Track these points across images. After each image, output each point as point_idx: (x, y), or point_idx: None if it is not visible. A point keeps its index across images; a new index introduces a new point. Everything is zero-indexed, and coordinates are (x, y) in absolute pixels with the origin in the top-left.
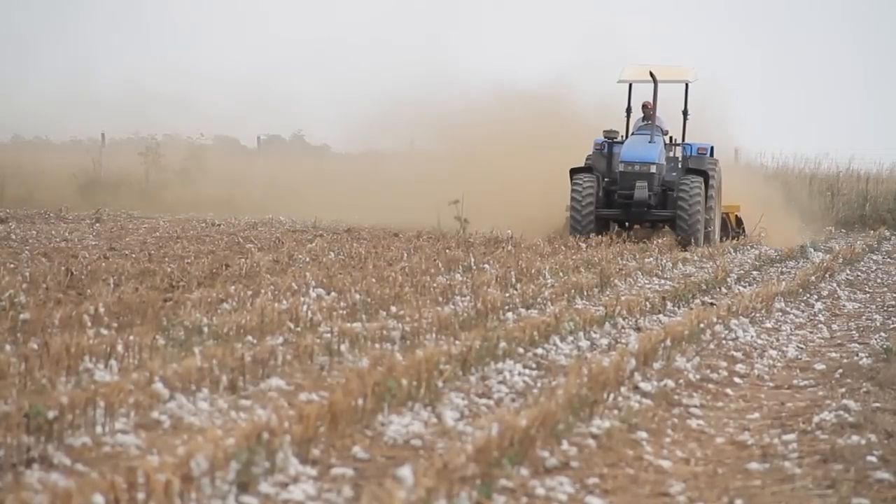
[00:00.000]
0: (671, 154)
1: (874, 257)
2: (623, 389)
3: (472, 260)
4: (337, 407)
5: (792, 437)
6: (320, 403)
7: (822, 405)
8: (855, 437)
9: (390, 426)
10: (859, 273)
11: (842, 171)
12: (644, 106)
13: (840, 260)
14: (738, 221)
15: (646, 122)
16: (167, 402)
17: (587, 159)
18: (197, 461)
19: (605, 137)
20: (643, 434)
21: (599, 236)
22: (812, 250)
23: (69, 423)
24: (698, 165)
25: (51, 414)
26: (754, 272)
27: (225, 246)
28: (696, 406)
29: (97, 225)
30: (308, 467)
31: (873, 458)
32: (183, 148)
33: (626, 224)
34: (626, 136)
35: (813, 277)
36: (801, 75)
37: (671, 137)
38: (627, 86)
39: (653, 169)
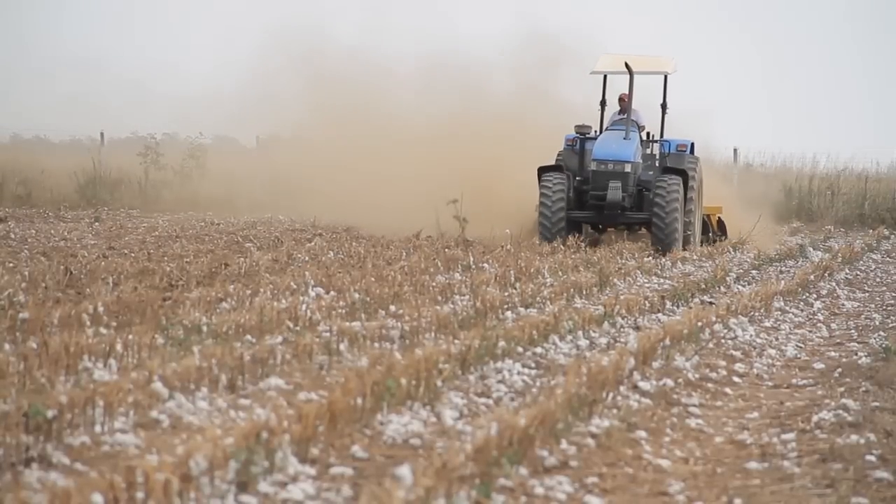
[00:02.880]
0: (648, 151)
1: (873, 256)
2: (622, 389)
3: (472, 259)
4: (336, 406)
5: (791, 436)
6: (319, 403)
7: (821, 404)
8: (854, 437)
9: (389, 425)
10: (858, 272)
11: (841, 170)
12: (620, 99)
13: (839, 259)
14: (720, 224)
15: (621, 117)
16: (166, 402)
17: (558, 157)
18: (196, 460)
19: (577, 133)
20: (642, 433)
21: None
22: (811, 249)
23: (68, 423)
24: (677, 164)
25: (50, 413)
26: (753, 271)
27: (224, 245)
28: (695, 405)
29: (96, 224)
30: (307, 466)
31: (872, 458)
32: (182, 147)
33: (600, 227)
34: (600, 132)
35: (812, 276)
36: (800, 74)
37: (649, 134)
38: (602, 77)
39: (627, 168)
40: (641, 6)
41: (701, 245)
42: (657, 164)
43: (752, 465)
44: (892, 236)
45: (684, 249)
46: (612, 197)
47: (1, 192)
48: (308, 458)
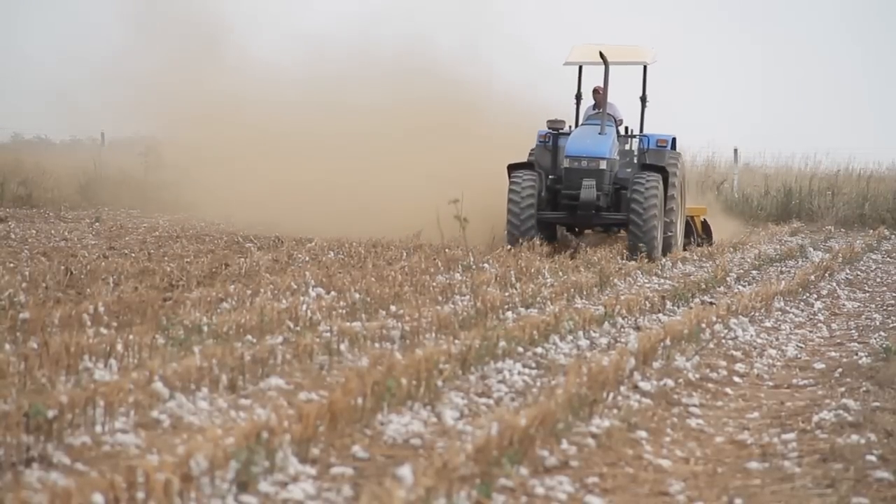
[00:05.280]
0: (626, 147)
1: (873, 256)
2: (622, 389)
3: (472, 259)
4: (336, 406)
5: (791, 436)
6: (320, 403)
7: (822, 404)
8: (854, 437)
9: (390, 425)
10: (859, 272)
11: (841, 169)
12: (595, 92)
13: (840, 259)
14: (705, 227)
15: (596, 111)
16: (167, 402)
17: (530, 154)
18: (196, 460)
19: (550, 128)
20: (643, 433)
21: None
22: (812, 249)
23: (69, 423)
24: (657, 160)
25: (50, 413)
26: (754, 271)
27: (224, 245)
28: (695, 405)
29: (97, 224)
30: (307, 466)
31: (873, 458)
32: (183, 147)
33: (576, 229)
34: (575, 127)
35: (812, 277)
36: (800, 74)
37: (627, 128)
38: (577, 69)
39: (602, 165)
40: (641, 5)
41: (684, 249)
42: (635, 161)
43: (753, 464)
44: (893, 236)
45: (664, 254)
46: (586, 196)
47: (2, 193)
48: (308, 457)
